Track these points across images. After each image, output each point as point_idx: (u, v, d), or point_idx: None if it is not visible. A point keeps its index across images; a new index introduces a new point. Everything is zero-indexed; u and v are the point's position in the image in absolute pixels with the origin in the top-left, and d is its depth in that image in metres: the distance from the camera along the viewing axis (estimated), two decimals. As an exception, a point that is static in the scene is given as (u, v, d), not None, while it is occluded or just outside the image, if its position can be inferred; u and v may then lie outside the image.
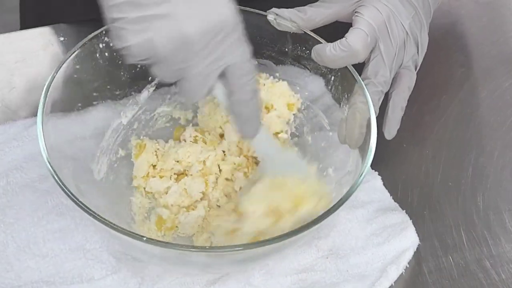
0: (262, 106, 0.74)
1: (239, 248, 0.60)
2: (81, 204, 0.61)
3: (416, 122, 0.87)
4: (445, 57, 0.97)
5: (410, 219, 0.76)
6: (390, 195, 0.79)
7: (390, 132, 0.78)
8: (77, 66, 0.72)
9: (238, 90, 0.66)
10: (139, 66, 0.71)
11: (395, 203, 0.78)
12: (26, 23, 1.06)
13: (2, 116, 0.84)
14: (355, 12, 0.76)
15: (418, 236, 0.75)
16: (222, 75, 0.65)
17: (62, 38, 0.92)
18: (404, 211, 0.77)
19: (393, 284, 0.71)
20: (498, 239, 0.76)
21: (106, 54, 0.75)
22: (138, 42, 0.61)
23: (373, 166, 0.80)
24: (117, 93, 0.78)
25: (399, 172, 0.82)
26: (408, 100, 0.81)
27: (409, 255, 0.73)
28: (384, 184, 0.79)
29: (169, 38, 0.60)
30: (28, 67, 0.89)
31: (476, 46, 0.99)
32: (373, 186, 0.79)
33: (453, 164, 0.83)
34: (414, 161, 0.83)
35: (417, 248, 0.74)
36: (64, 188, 0.62)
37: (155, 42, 0.60)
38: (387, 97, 0.79)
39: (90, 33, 0.73)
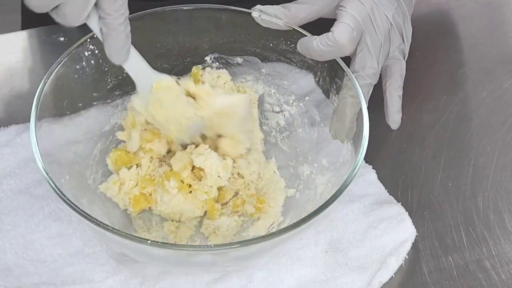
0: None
1: (238, 246, 0.63)
2: (81, 212, 0.64)
3: (416, 122, 0.89)
4: (445, 57, 0.99)
5: (411, 219, 0.78)
6: (386, 190, 0.81)
7: (395, 121, 0.81)
8: (66, 73, 0.76)
9: (109, 15, 0.67)
10: (125, 72, 0.75)
11: (390, 196, 0.80)
12: (28, 23, 1.08)
13: (2, 116, 0.87)
14: (339, 6, 0.79)
15: (419, 236, 0.77)
16: None
17: (62, 38, 0.95)
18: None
19: (393, 275, 0.74)
20: (498, 239, 0.78)
21: (92, 61, 0.78)
22: None
23: (373, 165, 0.83)
24: (106, 98, 0.81)
25: (399, 172, 0.84)
26: (408, 100, 0.83)
27: (407, 246, 0.76)
28: (384, 184, 0.82)
29: None
30: (28, 67, 0.91)
31: (476, 46, 1.01)
32: (368, 180, 0.82)
33: (453, 164, 0.85)
34: (414, 161, 0.85)
35: (417, 248, 0.77)
36: (63, 196, 0.65)
37: None
38: (381, 89, 0.81)
39: (90, 33, 0.76)
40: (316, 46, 0.76)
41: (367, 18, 0.78)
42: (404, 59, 0.83)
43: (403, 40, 0.82)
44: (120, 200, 0.78)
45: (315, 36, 0.77)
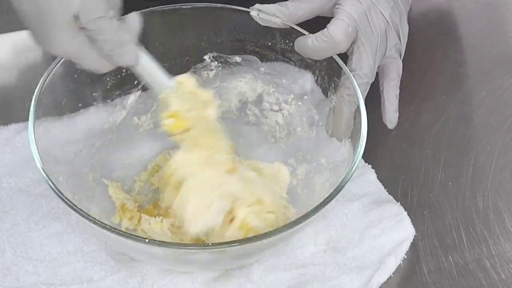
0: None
1: (236, 244, 0.63)
2: (79, 211, 0.64)
3: (415, 122, 0.90)
4: (445, 57, 0.99)
5: (410, 219, 0.78)
6: (386, 189, 0.81)
7: (391, 120, 0.81)
8: (65, 72, 0.75)
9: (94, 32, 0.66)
10: (124, 70, 0.74)
11: (390, 195, 0.80)
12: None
13: (2, 115, 0.87)
14: (336, 4, 0.79)
15: (418, 235, 0.77)
16: None
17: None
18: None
19: (392, 275, 0.73)
20: (498, 239, 0.78)
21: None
22: None
23: (373, 165, 0.83)
24: (106, 97, 0.81)
25: (398, 172, 0.84)
26: (407, 100, 0.83)
27: (406, 246, 0.76)
28: (384, 184, 0.82)
29: None
30: (28, 67, 0.91)
31: (476, 46, 1.01)
32: (367, 179, 0.82)
33: (453, 164, 0.85)
34: (414, 161, 0.85)
35: (417, 248, 0.76)
36: (61, 195, 0.65)
37: None
38: (378, 88, 0.82)
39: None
40: (311, 43, 0.77)
41: (363, 16, 0.78)
42: (401, 57, 0.84)
43: (400, 39, 0.83)
44: (117, 199, 0.78)
45: (311, 35, 0.77)
